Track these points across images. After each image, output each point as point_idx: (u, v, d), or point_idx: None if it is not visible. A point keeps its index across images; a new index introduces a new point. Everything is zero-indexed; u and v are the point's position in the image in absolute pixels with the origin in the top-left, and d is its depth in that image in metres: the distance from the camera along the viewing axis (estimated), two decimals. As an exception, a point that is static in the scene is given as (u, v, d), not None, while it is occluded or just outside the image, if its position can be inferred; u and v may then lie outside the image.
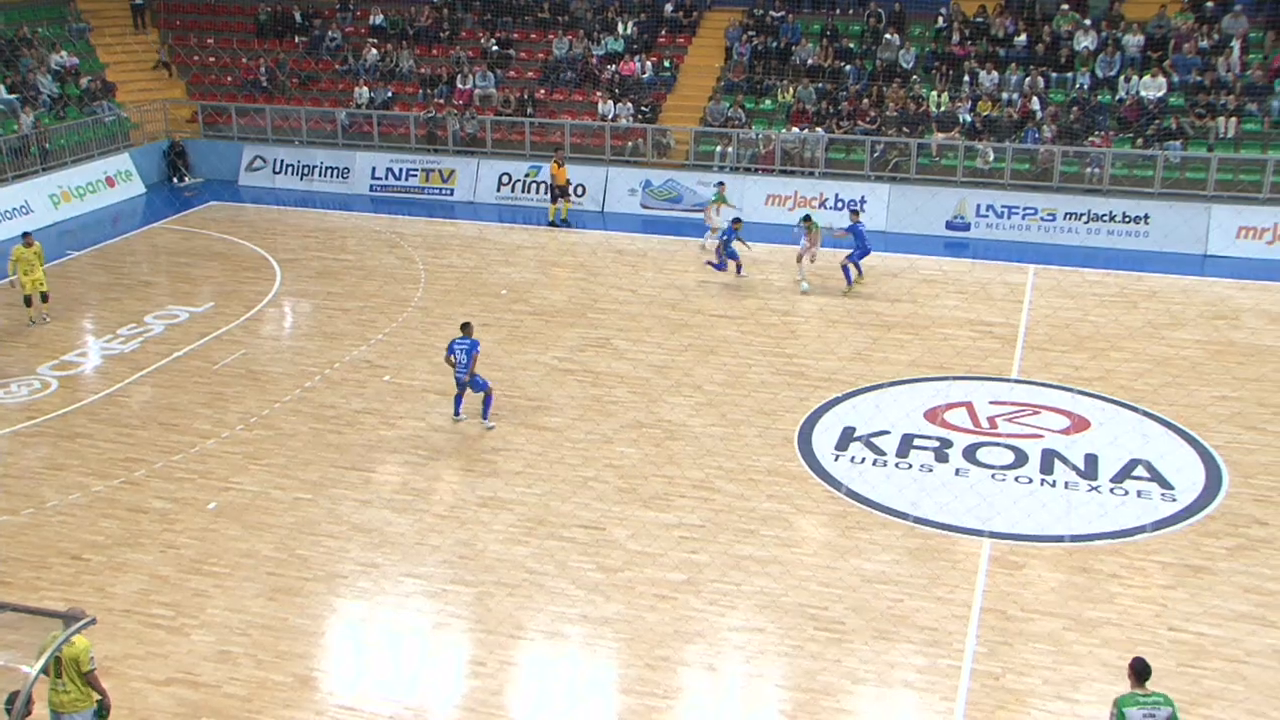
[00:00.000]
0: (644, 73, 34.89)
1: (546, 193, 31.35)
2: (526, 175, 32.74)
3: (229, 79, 37.41)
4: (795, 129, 31.96)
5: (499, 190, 32.95)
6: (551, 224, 30.47)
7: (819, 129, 31.83)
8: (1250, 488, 17.01)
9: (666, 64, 35.30)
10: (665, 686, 13.01)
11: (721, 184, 28.80)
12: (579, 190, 32.02)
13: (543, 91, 35.11)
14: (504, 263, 27.47)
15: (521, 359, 21.75)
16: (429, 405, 19.85)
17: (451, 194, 33.27)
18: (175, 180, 35.28)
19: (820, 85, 33.15)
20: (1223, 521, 16.13)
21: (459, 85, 35.50)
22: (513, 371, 21.14)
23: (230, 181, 35.21)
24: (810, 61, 33.86)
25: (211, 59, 37.86)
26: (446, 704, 12.77)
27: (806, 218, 25.79)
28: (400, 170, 33.83)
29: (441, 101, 35.10)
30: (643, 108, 33.79)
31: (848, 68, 33.53)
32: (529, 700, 12.92)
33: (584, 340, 22.65)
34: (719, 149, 32.44)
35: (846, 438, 18.64)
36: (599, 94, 34.22)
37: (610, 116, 33.58)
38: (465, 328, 18.92)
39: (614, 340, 22.63)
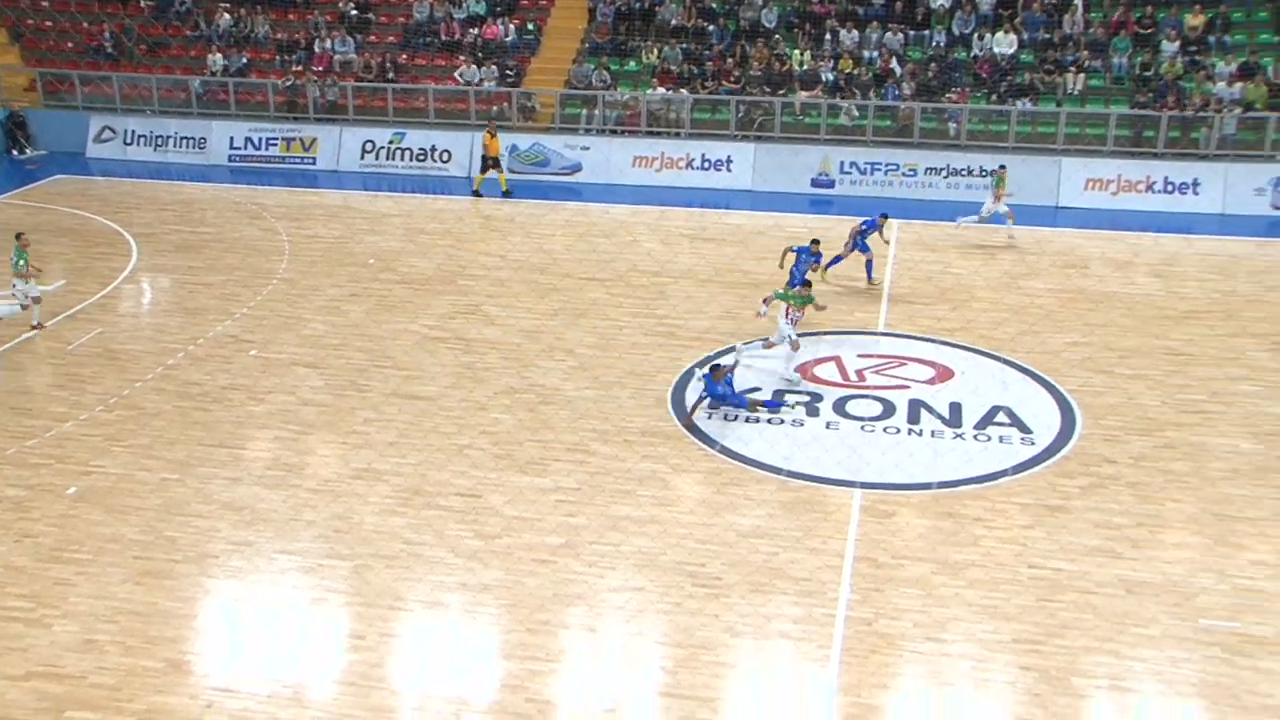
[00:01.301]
0: (507, 36, 34.57)
1: (450, 159, 30.83)
2: (391, 142, 32.24)
3: (69, 44, 35.91)
4: (660, 90, 32.03)
5: (363, 158, 32.40)
6: (475, 194, 29.89)
7: (684, 90, 31.95)
8: (1101, 428, 17.75)
9: (529, 27, 35.02)
10: (547, 650, 13.09)
11: (1002, 168, 26.55)
12: (444, 156, 31.66)
13: (404, 56, 34.54)
14: (370, 231, 27.07)
15: (391, 328, 21.51)
16: (298, 379, 19.52)
17: (314, 163, 32.60)
18: (15, 153, 33.83)
19: (685, 46, 33.25)
20: (1076, 462, 16.81)
21: (317, 50, 34.71)
22: (383, 341, 20.90)
23: (77, 153, 33.92)
24: (674, 22, 33.92)
25: (48, 23, 36.23)
26: (326, 679, 12.66)
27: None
28: (260, 139, 33.01)
29: (300, 69, 34.28)
30: (506, 71, 33.50)
31: (711, 28, 33.68)
32: (410, 671, 12.88)
33: (454, 308, 22.48)
34: (584, 112, 32.36)
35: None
36: (462, 58, 33.81)
37: (474, 81, 33.21)
38: None
39: (484, 307, 22.51)
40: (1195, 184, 28.27)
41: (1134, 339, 20.94)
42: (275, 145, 32.86)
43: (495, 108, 32.68)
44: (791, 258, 21.71)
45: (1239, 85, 29.34)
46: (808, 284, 20.47)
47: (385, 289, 23.42)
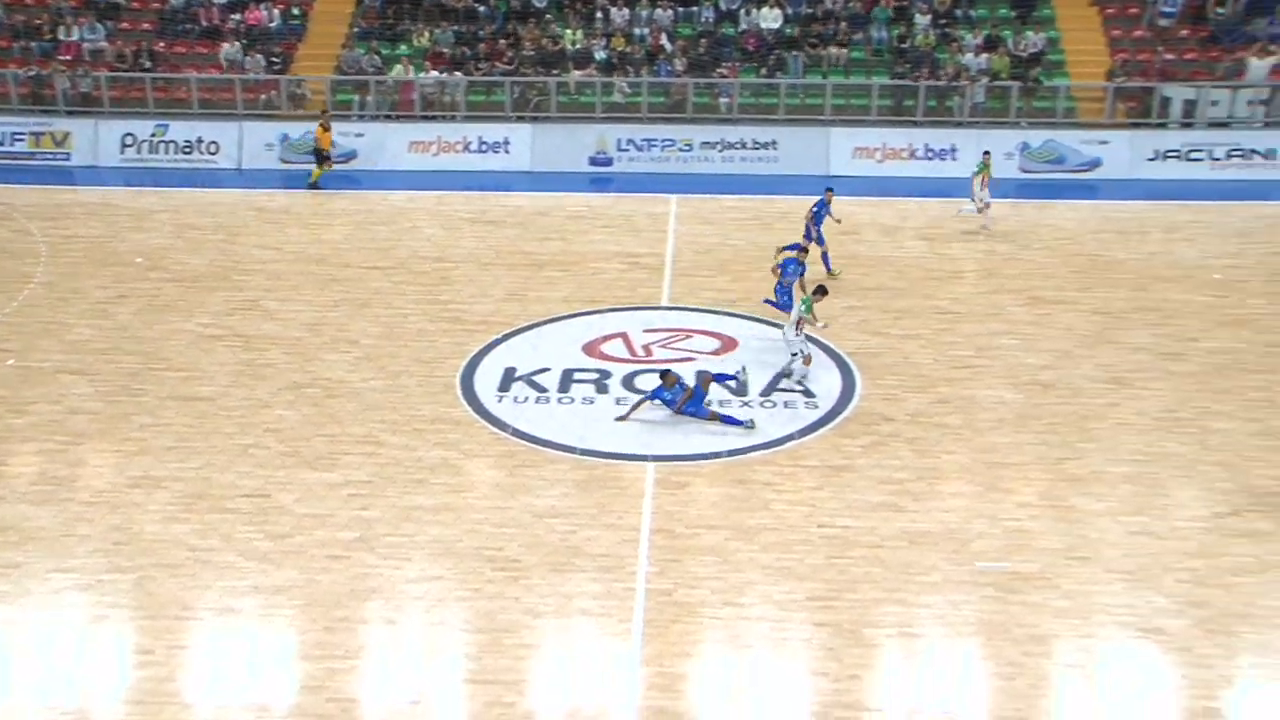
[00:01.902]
0: (271, 21, 33.39)
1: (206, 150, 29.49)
2: (153, 135, 30.73)
3: None
4: (434, 73, 31.57)
5: (123, 152, 30.74)
6: (314, 186, 28.71)
7: (457, 72, 31.58)
8: (879, 388, 18.51)
9: (295, 11, 33.91)
10: (346, 647, 12.84)
11: (987, 154, 25.90)
12: (211, 148, 30.43)
13: (162, 44, 32.96)
14: (136, 229, 25.78)
15: (164, 329, 20.59)
16: (64, 387, 18.49)
17: (68, 159, 30.75)
18: None
19: (456, 28, 32.84)
20: (858, 423, 17.48)
21: (62, 38, 32.74)
22: (156, 343, 20.01)
23: None
24: (444, 3, 33.44)
25: None
26: (112, 700, 12.10)
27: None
28: (3, 135, 30.93)
29: (44, 58, 32.27)
30: (273, 58, 32.38)
31: (482, 8, 33.35)
32: (204, 683, 12.42)
33: (230, 304, 21.67)
34: (357, 98, 31.61)
35: (508, 378, 18.83)
36: (224, 44, 32.48)
37: (238, 61, 31.94)
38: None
39: (263, 301, 21.79)
40: (953, 150, 29.63)
41: (905, 300, 21.87)
42: (22, 140, 30.84)
43: (263, 96, 31.56)
44: (784, 254, 21.17)
45: (985, 56, 30.90)
46: (822, 290, 19.30)
47: (155, 288, 22.38)
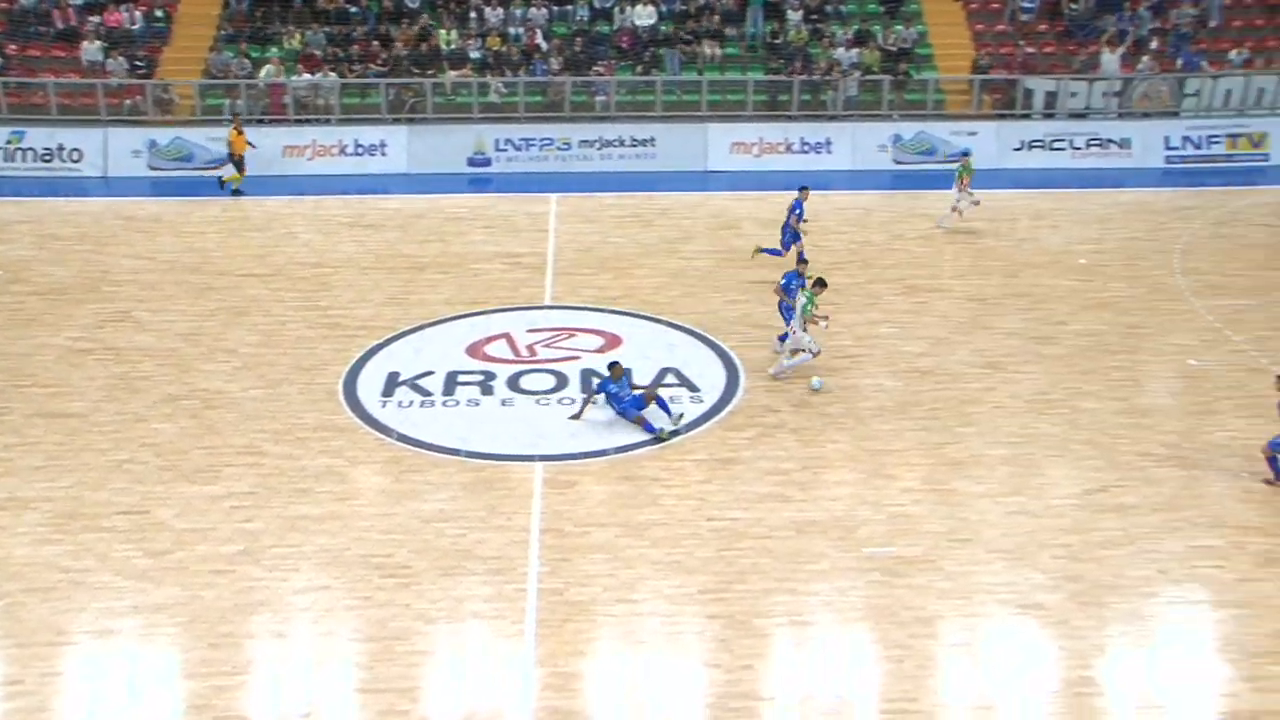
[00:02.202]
0: (133, 24, 32.41)
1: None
2: (9, 143, 29.59)
3: None
4: (306, 75, 31.01)
5: (-24, 161, 29.58)
6: (236, 192, 27.86)
7: (331, 74, 31.07)
8: (762, 380, 18.72)
9: (158, 14, 32.97)
10: (233, 663, 12.56)
11: (965, 154, 25.87)
12: (73, 155, 29.44)
13: (14, 46, 31.74)
14: (-6, 241, 24.86)
15: (30, 344, 19.89)
16: (-78, 408, 17.75)
17: (-84, 169, 29.48)
18: None
19: (328, 29, 32.30)
20: (743, 415, 17.66)
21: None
22: (20, 359, 19.33)
23: None
24: (315, 5, 32.85)
25: None
26: (-15, 731, 11.66)
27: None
28: None
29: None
30: (137, 61, 31.45)
31: (354, 9, 32.87)
32: (81, 710, 12.03)
33: (100, 316, 21.01)
34: (227, 102, 30.88)
35: (391, 383, 18.61)
36: (85, 44, 31.43)
37: (99, 61, 30.92)
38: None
39: (135, 312, 21.18)
40: (828, 143, 30.15)
41: (785, 293, 22.16)
42: None
43: (127, 101, 30.64)
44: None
45: (855, 51, 31.48)
46: (822, 283, 18.90)
47: (18, 302, 21.60)
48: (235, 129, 27.98)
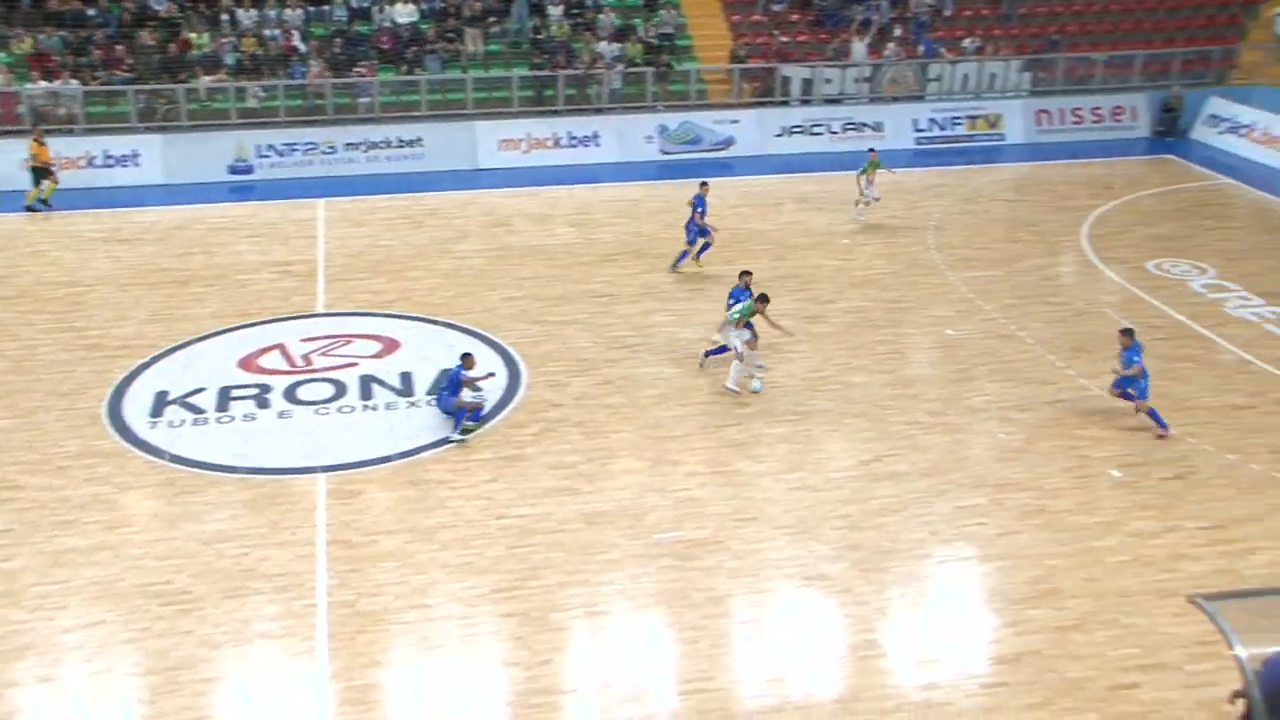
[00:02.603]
0: None
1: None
2: None
3: None
4: (43, 82, 29.27)
5: None
6: (29, 208, 25.62)
7: (73, 80, 29.43)
8: (542, 375, 18.77)
9: None
10: (-1, 712, 11.82)
11: (872, 151, 26.18)
12: None
13: None
14: None
15: None
16: None
17: None
18: None
19: (63, 33, 30.56)
20: (526, 411, 17.66)
21: None
22: None
23: None
24: (47, 7, 31.02)
25: None
26: None
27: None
28: None
29: None
30: None
31: (92, 11, 31.20)
32: None
33: None
34: (-44, 113, 28.87)
35: (160, 402, 17.81)
36: None
37: None
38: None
39: None
40: (595, 136, 30.43)
41: (561, 287, 22.27)
42: None
43: None
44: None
45: (618, 44, 31.86)
46: (764, 298, 18.44)
47: None
48: (36, 140, 26.26)
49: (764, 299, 18.37)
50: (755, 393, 18.30)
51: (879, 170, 25.52)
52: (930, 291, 22.15)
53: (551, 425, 17.32)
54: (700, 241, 22.66)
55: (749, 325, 18.38)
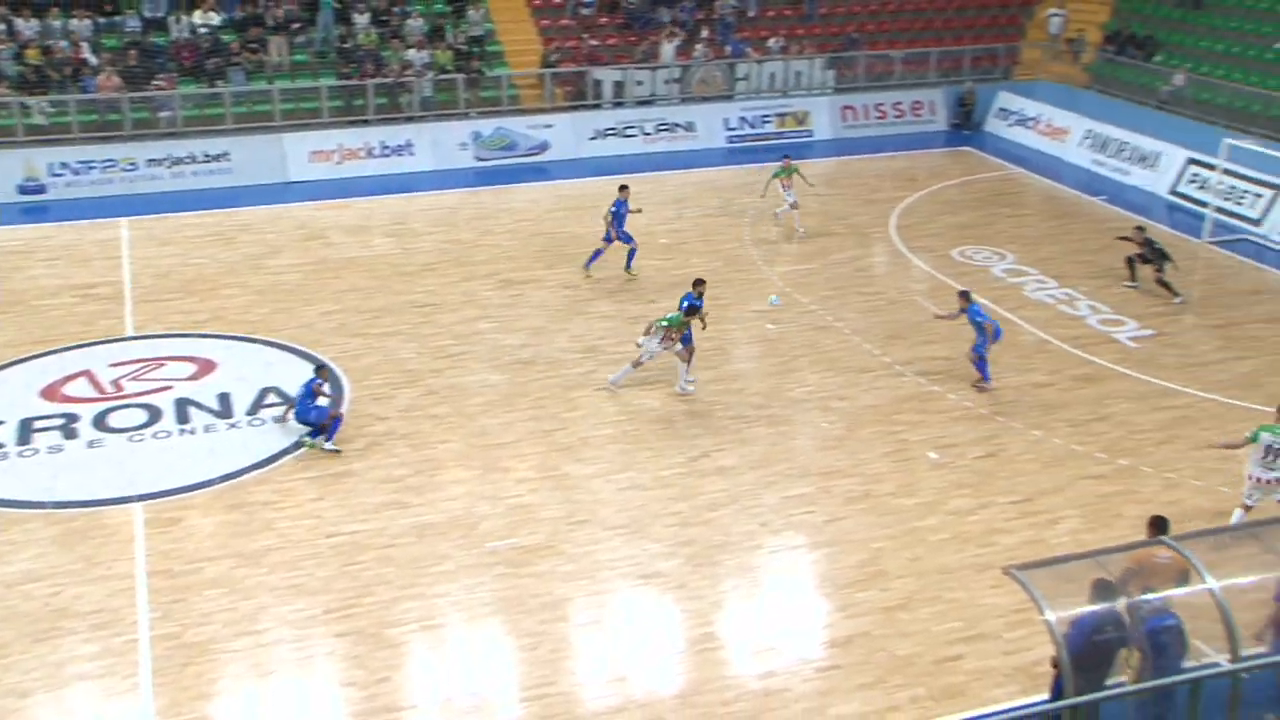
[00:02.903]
0: None
1: None
2: None
3: None
4: None
5: None
6: None
7: None
8: (367, 389, 18.46)
9: None
10: None
11: (786, 157, 26.01)
12: None
13: None
14: None
15: None
16: None
17: None
18: None
19: None
20: (351, 426, 17.30)
21: None
22: None
23: None
24: None
25: None
26: None
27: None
28: None
29: None
30: None
31: None
32: None
33: None
34: None
35: (-46, 440, 16.85)
36: None
37: None
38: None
39: None
40: (409, 145, 30.04)
41: (381, 298, 21.92)
42: None
43: None
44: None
45: (427, 51, 31.52)
46: (694, 310, 18.47)
47: None
48: None
49: (693, 310, 18.38)
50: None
51: (794, 176, 25.76)
52: (749, 287, 22.61)
53: (378, 439, 17.04)
54: (623, 246, 22.88)
55: (686, 338, 18.36)
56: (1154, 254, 22.27)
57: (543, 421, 17.60)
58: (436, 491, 15.81)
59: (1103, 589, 10.31)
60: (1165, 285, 22.09)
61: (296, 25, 31.62)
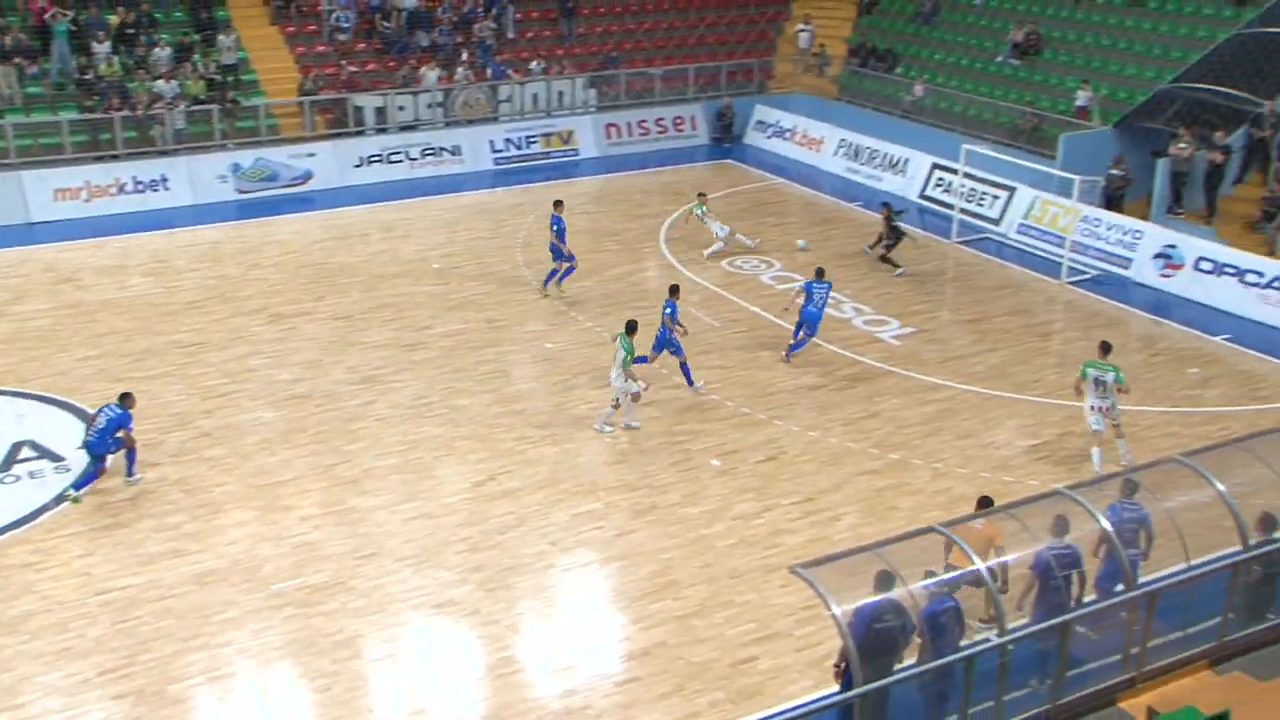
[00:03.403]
0: None
1: None
2: None
3: None
4: None
5: None
6: None
7: None
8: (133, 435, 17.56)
9: None
10: None
11: (701, 195, 26.50)
12: None
13: None
14: None
15: None
16: None
17: None
18: None
19: None
20: (118, 475, 16.39)
21: None
22: None
23: None
24: None
25: None
26: None
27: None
28: None
29: None
30: None
31: None
32: None
33: None
34: None
35: None
36: None
37: None
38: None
39: None
40: (164, 180, 28.71)
41: (143, 340, 20.93)
42: None
43: None
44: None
45: (175, 81, 30.26)
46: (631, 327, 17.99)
47: None
48: None
49: (631, 328, 18.00)
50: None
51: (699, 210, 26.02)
52: (524, 308, 22.65)
53: (149, 487, 16.25)
54: (564, 264, 23.19)
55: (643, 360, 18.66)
56: (891, 232, 24.66)
57: (323, 456, 17.16)
58: (216, 536, 15.19)
59: (883, 580, 10.76)
60: (888, 261, 24.58)
61: (26, 59, 29.81)
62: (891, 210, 25.06)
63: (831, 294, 20.67)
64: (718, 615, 13.76)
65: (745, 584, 14.34)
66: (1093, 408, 16.80)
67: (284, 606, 13.79)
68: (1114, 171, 26.29)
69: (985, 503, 13.11)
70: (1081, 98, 28.72)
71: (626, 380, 17.74)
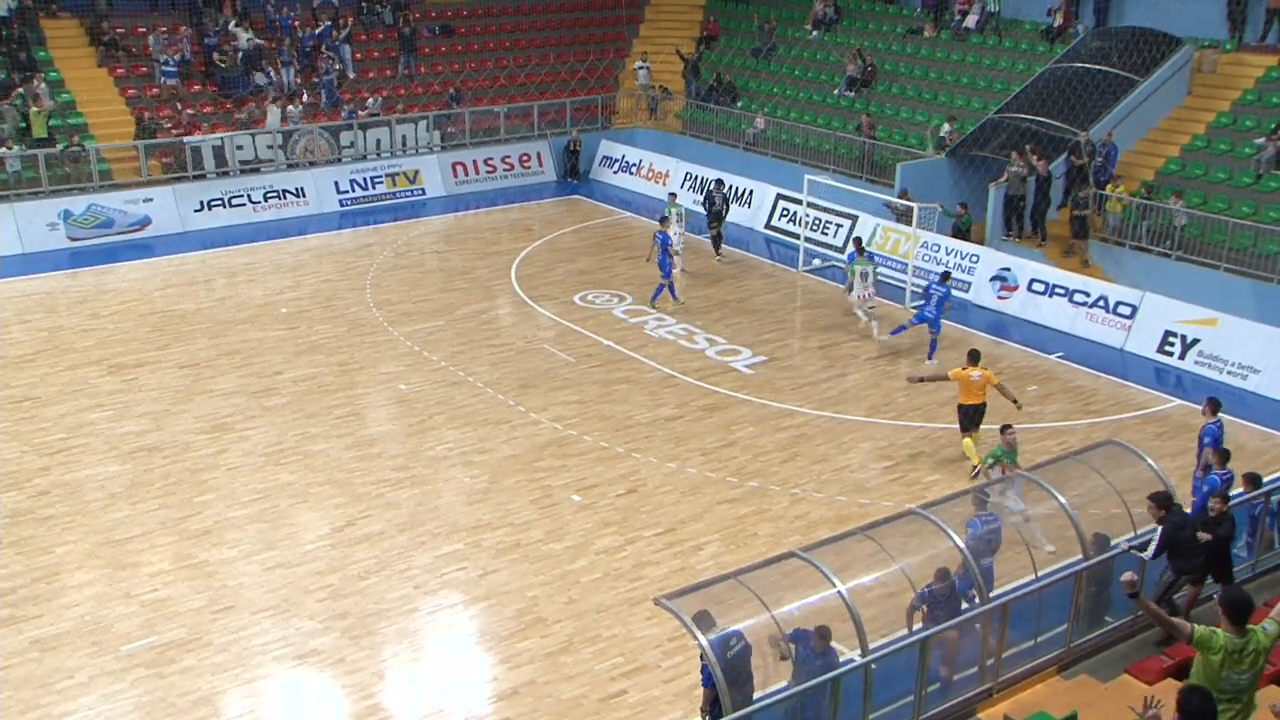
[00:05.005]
0: None
1: None
2: None
3: None
4: None
5: None
6: None
7: None
8: (-33, 498, 16.79)
9: None
10: None
11: (672, 195, 28.53)
12: None
13: None
14: None
15: None
16: None
17: None
18: None
19: None
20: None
21: None
22: None
23: None
24: None
25: None
26: None
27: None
28: None
29: None
30: None
31: None
32: None
33: None
34: None
35: None
36: None
37: None
38: None
39: None
40: (-12, 228, 27.63)
41: (-27, 397, 20.04)
42: None
43: None
44: None
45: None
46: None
47: None
48: None
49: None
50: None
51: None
52: (377, 349, 22.37)
53: (-25, 552, 15.50)
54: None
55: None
56: (716, 217, 27.29)
57: (174, 509, 16.64)
58: (57, 599, 14.57)
59: (701, 619, 10.64)
60: (716, 241, 27.73)
61: None
62: (721, 187, 28.37)
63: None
64: (585, 650, 13.76)
65: (611, 618, 14.38)
66: (860, 297, 22.58)
67: (136, 667, 13.30)
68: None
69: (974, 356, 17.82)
70: (945, 129, 29.67)
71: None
